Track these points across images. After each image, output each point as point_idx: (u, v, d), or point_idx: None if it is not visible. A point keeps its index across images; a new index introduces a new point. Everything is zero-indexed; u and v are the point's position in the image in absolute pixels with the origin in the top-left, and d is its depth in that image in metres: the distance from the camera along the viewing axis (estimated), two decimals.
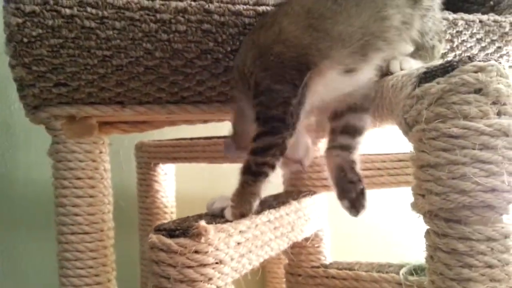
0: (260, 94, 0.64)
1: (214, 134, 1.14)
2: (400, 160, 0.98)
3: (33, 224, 1.30)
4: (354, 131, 0.71)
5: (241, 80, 0.68)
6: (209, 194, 1.34)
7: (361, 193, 0.71)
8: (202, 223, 0.52)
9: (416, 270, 0.84)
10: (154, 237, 0.53)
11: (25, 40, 0.66)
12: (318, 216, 0.90)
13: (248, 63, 0.66)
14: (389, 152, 0.98)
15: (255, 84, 0.65)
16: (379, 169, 0.97)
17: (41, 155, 1.28)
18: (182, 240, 0.52)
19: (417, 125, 0.55)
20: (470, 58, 0.52)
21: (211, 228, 0.52)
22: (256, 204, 0.64)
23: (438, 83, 0.52)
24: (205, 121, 0.98)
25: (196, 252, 0.51)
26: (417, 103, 0.54)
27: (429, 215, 0.54)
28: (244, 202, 0.63)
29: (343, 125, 0.71)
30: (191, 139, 1.14)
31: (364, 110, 0.70)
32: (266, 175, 0.64)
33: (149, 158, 1.18)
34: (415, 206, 0.56)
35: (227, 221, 0.60)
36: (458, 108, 0.50)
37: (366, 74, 0.67)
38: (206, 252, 0.52)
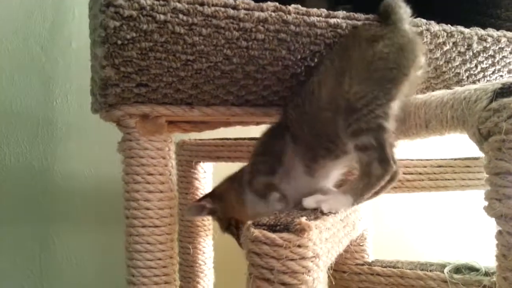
0: None
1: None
2: (440, 166, 1.03)
3: (72, 218, 1.33)
4: None
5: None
6: None
7: None
8: (304, 219, 0.56)
9: (460, 269, 0.90)
10: (256, 232, 0.57)
11: (119, 42, 0.69)
12: (365, 215, 0.95)
13: None
14: (430, 158, 1.04)
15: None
16: (420, 173, 1.02)
17: (81, 149, 1.33)
18: (286, 235, 0.56)
19: (495, 135, 0.60)
20: None
21: (312, 224, 0.56)
22: None
23: None
24: (258, 123, 1.02)
25: (299, 246, 0.56)
26: (494, 116, 0.60)
27: (505, 218, 0.59)
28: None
29: None
30: (235, 139, 1.18)
31: None
32: None
33: (191, 156, 1.22)
34: (489, 209, 0.61)
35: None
36: None
37: None
38: (307, 247, 0.56)
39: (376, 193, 0.75)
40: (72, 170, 1.33)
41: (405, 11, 0.79)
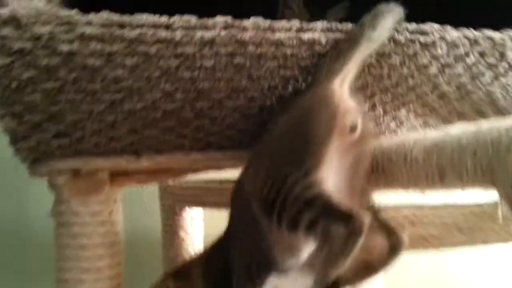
0: None
1: None
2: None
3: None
4: None
5: None
6: None
7: None
8: None
9: None
10: None
11: (14, 84, 0.53)
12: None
13: None
14: (460, 204, 0.81)
15: None
16: (447, 224, 0.79)
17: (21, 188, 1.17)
18: None
19: None
20: None
21: None
22: None
23: None
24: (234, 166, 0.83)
25: None
26: None
27: None
28: None
29: None
30: (221, 181, 0.99)
31: None
32: None
33: (174, 201, 1.05)
34: None
35: None
36: None
37: None
38: None
39: (374, 270, 0.56)
40: (13, 211, 1.18)
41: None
